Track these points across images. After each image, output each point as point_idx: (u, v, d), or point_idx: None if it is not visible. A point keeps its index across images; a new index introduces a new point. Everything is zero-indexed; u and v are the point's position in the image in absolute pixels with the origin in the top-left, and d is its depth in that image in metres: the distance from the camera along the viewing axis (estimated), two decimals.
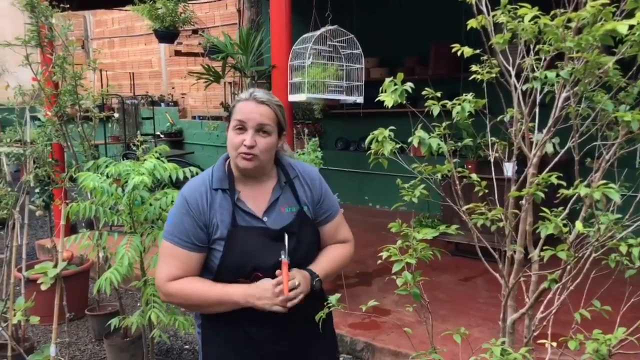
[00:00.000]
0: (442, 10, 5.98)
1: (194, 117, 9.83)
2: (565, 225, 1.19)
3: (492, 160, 1.60)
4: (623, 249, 1.11)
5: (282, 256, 1.64)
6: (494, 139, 1.60)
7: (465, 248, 5.26)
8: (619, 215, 1.23)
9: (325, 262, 1.79)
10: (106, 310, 3.95)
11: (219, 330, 1.75)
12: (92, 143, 3.75)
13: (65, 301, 2.61)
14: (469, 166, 4.84)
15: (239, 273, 1.66)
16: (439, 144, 1.17)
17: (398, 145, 1.35)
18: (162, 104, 10.08)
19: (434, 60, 6.38)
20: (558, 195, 1.14)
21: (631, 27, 1.07)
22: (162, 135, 9.36)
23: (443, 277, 4.67)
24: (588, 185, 1.12)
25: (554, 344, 1.19)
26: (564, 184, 1.11)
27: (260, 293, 1.62)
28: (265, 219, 1.70)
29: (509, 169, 1.74)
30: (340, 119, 7.47)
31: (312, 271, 1.72)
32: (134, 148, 3.10)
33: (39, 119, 4.24)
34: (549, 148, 1.39)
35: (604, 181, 1.05)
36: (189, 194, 1.69)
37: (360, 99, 3.99)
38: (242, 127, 1.65)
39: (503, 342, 1.16)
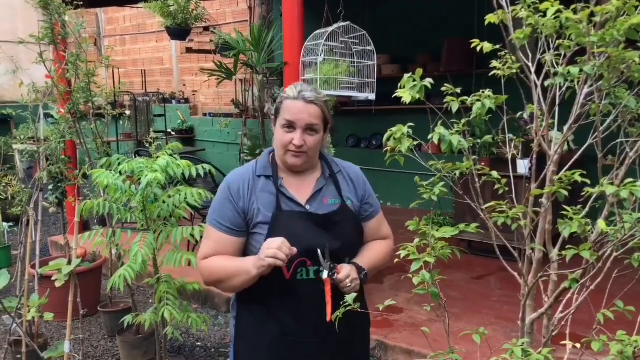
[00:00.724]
0: (455, 7, 5.94)
1: (205, 115, 9.85)
2: (586, 224, 1.17)
3: (509, 157, 1.57)
4: None
5: (324, 274, 1.64)
6: (511, 135, 1.57)
7: (478, 246, 5.22)
8: None
9: (371, 256, 1.82)
10: (119, 307, 3.96)
11: (253, 325, 1.78)
12: (105, 140, 3.76)
13: (79, 298, 2.62)
14: (482, 164, 4.80)
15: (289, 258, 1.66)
16: (460, 141, 1.15)
17: (415, 142, 1.33)
18: (174, 101, 10.10)
19: (446, 56, 6.33)
20: (583, 193, 1.11)
21: None
22: (173, 133, 9.38)
23: (456, 275, 4.64)
24: (611, 184, 1.09)
25: (578, 345, 1.17)
26: (588, 182, 1.09)
27: (267, 244, 1.60)
28: (307, 207, 1.73)
29: (523, 166, 1.71)
30: (352, 116, 7.44)
31: (359, 265, 1.74)
32: (147, 145, 3.11)
33: (52, 116, 4.26)
34: (563, 146, 1.37)
35: (631, 179, 1.03)
36: (232, 181, 1.75)
37: (372, 96, 3.97)
38: (290, 126, 1.68)
39: (524, 343, 1.13)
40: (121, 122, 8.21)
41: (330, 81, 3.70)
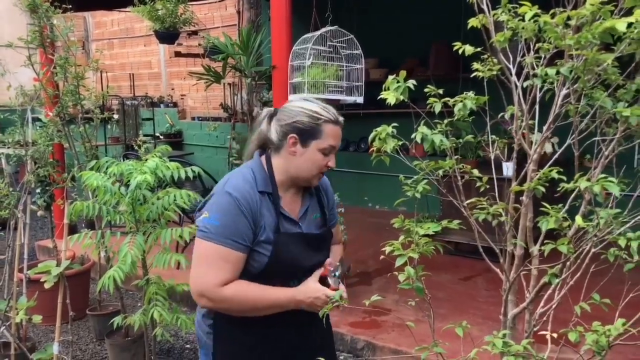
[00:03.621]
0: (443, 11, 6.00)
1: (193, 118, 9.85)
2: (565, 220, 1.21)
3: (492, 157, 1.62)
4: (622, 242, 1.13)
5: (334, 274, 1.72)
6: (494, 137, 1.62)
7: (465, 248, 5.28)
8: (619, 210, 1.25)
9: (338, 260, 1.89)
10: (107, 310, 3.96)
11: (233, 330, 1.72)
12: (93, 144, 3.77)
13: (68, 299, 2.63)
14: (469, 166, 4.86)
15: (284, 276, 1.70)
16: (441, 140, 1.18)
17: (400, 143, 1.37)
18: (162, 105, 10.09)
19: (434, 60, 6.40)
20: (558, 189, 1.15)
21: (630, 24, 1.08)
22: (161, 137, 9.37)
23: (443, 276, 4.69)
24: (588, 180, 1.13)
25: (555, 334, 1.21)
26: (564, 178, 1.13)
27: (312, 295, 1.64)
28: (301, 224, 1.74)
29: (508, 168, 1.75)
30: None
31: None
32: (136, 148, 3.12)
33: (40, 120, 4.26)
34: (548, 148, 1.41)
35: (604, 175, 1.07)
36: (239, 194, 1.61)
37: (360, 99, 4.01)
38: (330, 151, 1.68)
39: (504, 335, 1.17)
40: (109, 126, 8.20)
41: (318, 85, 3.74)
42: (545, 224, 1.11)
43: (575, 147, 1.30)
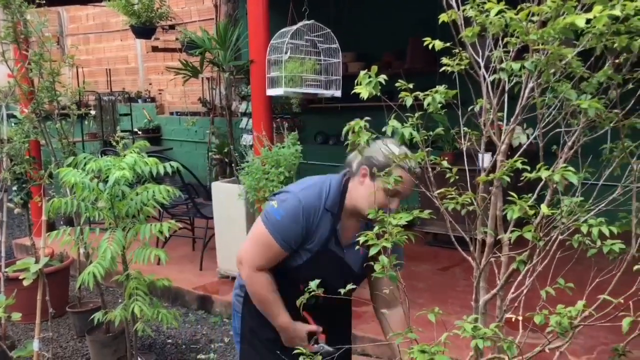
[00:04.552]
0: (419, 7, 6.06)
1: (171, 113, 9.79)
2: (532, 208, 1.26)
3: (464, 149, 1.66)
4: (584, 229, 1.18)
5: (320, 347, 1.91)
6: (466, 129, 1.66)
7: (444, 238, 5.37)
8: (582, 198, 1.31)
9: None
10: (87, 307, 3.95)
11: (259, 319, 1.98)
12: (70, 140, 3.74)
13: (47, 296, 2.62)
14: (445, 158, 4.93)
15: (304, 282, 1.72)
16: (411, 133, 1.22)
17: (374, 136, 1.40)
18: (139, 101, 10.01)
19: (410, 54, 6.46)
20: (522, 179, 1.20)
21: (589, 20, 1.13)
22: (139, 132, 9.30)
23: (421, 267, 4.76)
24: (551, 170, 1.18)
25: (520, 317, 1.26)
26: (528, 168, 1.18)
27: (298, 336, 1.91)
28: (345, 251, 1.86)
29: (484, 160, 1.80)
30: (319, 114, 7.51)
31: None
32: (114, 144, 3.11)
33: (15, 117, 4.20)
34: (524, 139, 1.46)
35: (564, 165, 1.12)
36: (306, 205, 1.80)
37: (338, 93, 4.04)
38: (394, 195, 1.71)
39: (475, 319, 1.22)
40: (86, 122, 8.11)
41: (295, 79, 3.76)
42: (511, 213, 1.16)
43: (540, 139, 1.35)
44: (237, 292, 2.09)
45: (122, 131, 3.19)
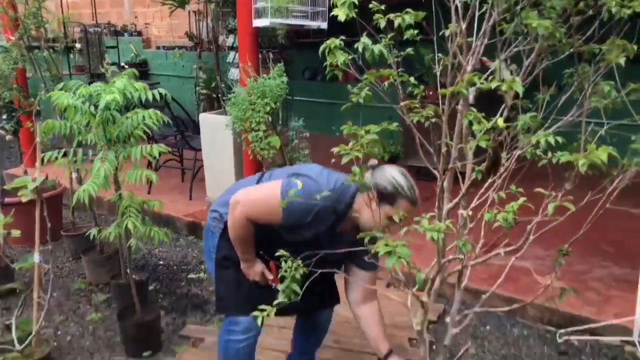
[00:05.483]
0: None
1: (158, 47, 9.67)
2: (487, 120, 1.40)
3: (438, 74, 1.78)
4: (534, 139, 1.32)
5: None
6: (440, 55, 1.77)
7: (426, 172, 5.54)
8: (535, 114, 1.45)
9: None
10: (81, 231, 4.11)
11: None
12: (59, 70, 3.78)
13: (45, 213, 2.76)
14: (430, 92, 5.03)
15: (287, 246, 1.83)
16: (381, 50, 1.33)
17: (350, 57, 1.51)
18: (125, 34, 9.85)
19: None
20: (477, 93, 1.33)
21: None
22: (126, 66, 9.22)
23: None
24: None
25: (470, 212, 1.42)
26: (483, 82, 1.31)
27: (252, 271, 2.11)
28: (335, 240, 1.96)
29: (470, 93, 1.92)
30: (307, 48, 7.50)
31: None
32: (103, 72, 3.18)
33: (2, 46, 4.21)
34: (507, 75, 1.57)
35: (512, 77, 1.25)
36: (322, 210, 1.91)
37: (324, 25, 4.07)
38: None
39: (432, 216, 1.38)
40: (72, 55, 8.02)
41: (281, 9, 3.79)
42: (467, 122, 1.29)
43: (503, 61, 1.47)
44: (214, 216, 2.20)
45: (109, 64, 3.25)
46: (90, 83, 2.66)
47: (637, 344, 2.82)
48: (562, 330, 3.12)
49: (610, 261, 3.73)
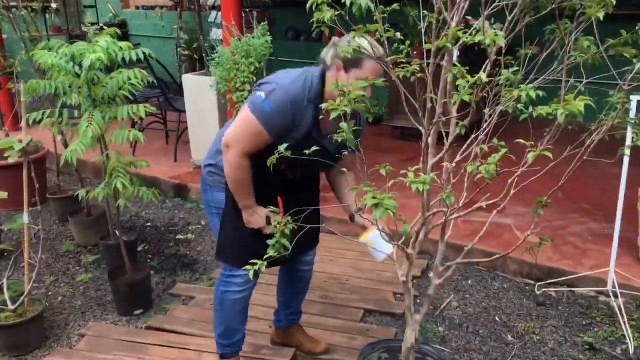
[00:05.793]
0: None
1: (137, 7, 9.45)
2: (471, 75, 1.43)
3: (423, 30, 1.80)
4: (515, 93, 1.36)
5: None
6: (425, 12, 1.79)
7: (410, 132, 5.61)
8: (517, 69, 1.49)
9: None
10: (67, 194, 4.12)
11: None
12: (40, 30, 3.71)
13: (32, 174, 2.77)
14: (414, 52, 5.04)
15: (286, 164, 1.89)
16: (368, 4, 1.34)
17: (337, 13, 1.52)
18: None
19: None
20: (459, 47, 1.36)
21: None
22: (105, 27, 9.01)
23: (387, 158, 4.97)
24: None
25: (454, 165, 1.48)
26: (466, 37, 1.34)
27: (255, 218, 2.10)
28: (323, 139, 1.99)
29: (453, 53, 1.94)
30: (290, 8, 7.39)
31: None
32: (85, 29, 3.12)
33: None
34: (501, 41, 1.59)
35: (494, 31, 1.28)
36: (294, 98, 1.93)
37: None
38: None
39: (417, 168, 1.43)
40: (48, 16, 7.81)
41: None
42: (451, 75, 1.33)
43: (486, 20, 1.49)
44: (210, 170, 2.22)
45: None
46: (70, 44, 2.63)
47: (610, 293, 2.95)
48: (541, 283, 3.29)
49: (587, 217, 3.85)
